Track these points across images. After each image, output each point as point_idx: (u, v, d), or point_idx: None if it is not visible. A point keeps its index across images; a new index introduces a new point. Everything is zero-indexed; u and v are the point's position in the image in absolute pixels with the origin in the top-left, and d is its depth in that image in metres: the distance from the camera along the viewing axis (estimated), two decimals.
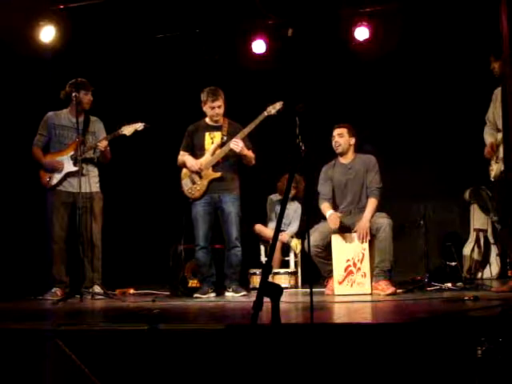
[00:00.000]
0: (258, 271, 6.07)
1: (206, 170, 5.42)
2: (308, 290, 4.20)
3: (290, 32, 6.63)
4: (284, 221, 6.44)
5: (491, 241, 6.65)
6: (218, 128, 5.49)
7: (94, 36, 6.67)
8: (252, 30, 6.92)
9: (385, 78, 6.99)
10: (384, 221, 5.05)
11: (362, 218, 5.12)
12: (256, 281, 6.01)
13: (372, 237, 5.09)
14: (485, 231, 6.68)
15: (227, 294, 5.42)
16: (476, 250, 6.62)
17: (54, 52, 6.43)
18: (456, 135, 6.61)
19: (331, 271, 5.17)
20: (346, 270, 5.08)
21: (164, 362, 2.98)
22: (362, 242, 5.04)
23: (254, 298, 2.55)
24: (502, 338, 2.60)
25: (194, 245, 5.49)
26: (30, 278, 5.76)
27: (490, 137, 4.91)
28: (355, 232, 5.10)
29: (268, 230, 6.57)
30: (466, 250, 6.66)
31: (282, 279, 6.16)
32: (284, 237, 6.48)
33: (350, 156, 5.45)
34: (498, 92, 4.86)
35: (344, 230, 5.19)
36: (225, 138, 5.43)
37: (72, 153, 5.55)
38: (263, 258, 6.66)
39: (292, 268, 6.44)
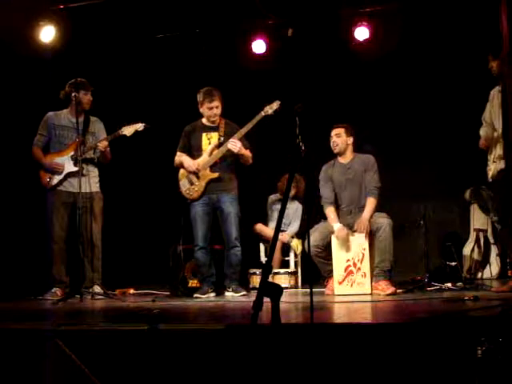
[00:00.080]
0: (257, 271, 6.07)
1: (204, 171, 5.41)
2: (308, 290, 4.21)
3: (290, 32, 6.63)
4: (284, 221, 6.44)
5: (491, 241, 6.65)
6: (214, 128, 5.48)
7: (94, 36, 6.67)
8: (252, 30, 6.92)
9: (385, 78, 6.99)
10: (384, 221, 5.05)
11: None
12: (256, 281, 6.01)
13: (372, 237, 5.09)
14: (485, 231, 6.68)
15: (227, 293, 5.42)
16: (476, 250, 6.62)
17: (54, 52, 6.43)
18: (456, 135, 6.60)
19: (331, 271, 5.17)
20: (345, 270, 5.08)
21: (164, 362, 2.98)
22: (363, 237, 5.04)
23: (253, 298, 2.54)
24: (501, 337, 2.60)
25: (193, 245, 5.49)
26: (30, 278, 5.76)
27: (486, 132, 4.91)
28: (355, 231, 5.10)
29: (269, 230, 6.57)
30: (466, 250, 6.67)
31: (282, 279, 6.16)
32: (284, 237, 6.47)
33: (349, 156, 5.45)
34: (494, 92, 4.85)
35: None
36: (222, 138, 5.42)
37: (72, 153, 5.55)
38: (263, 258, 6.65)
39: (292, 268, 6.43)
